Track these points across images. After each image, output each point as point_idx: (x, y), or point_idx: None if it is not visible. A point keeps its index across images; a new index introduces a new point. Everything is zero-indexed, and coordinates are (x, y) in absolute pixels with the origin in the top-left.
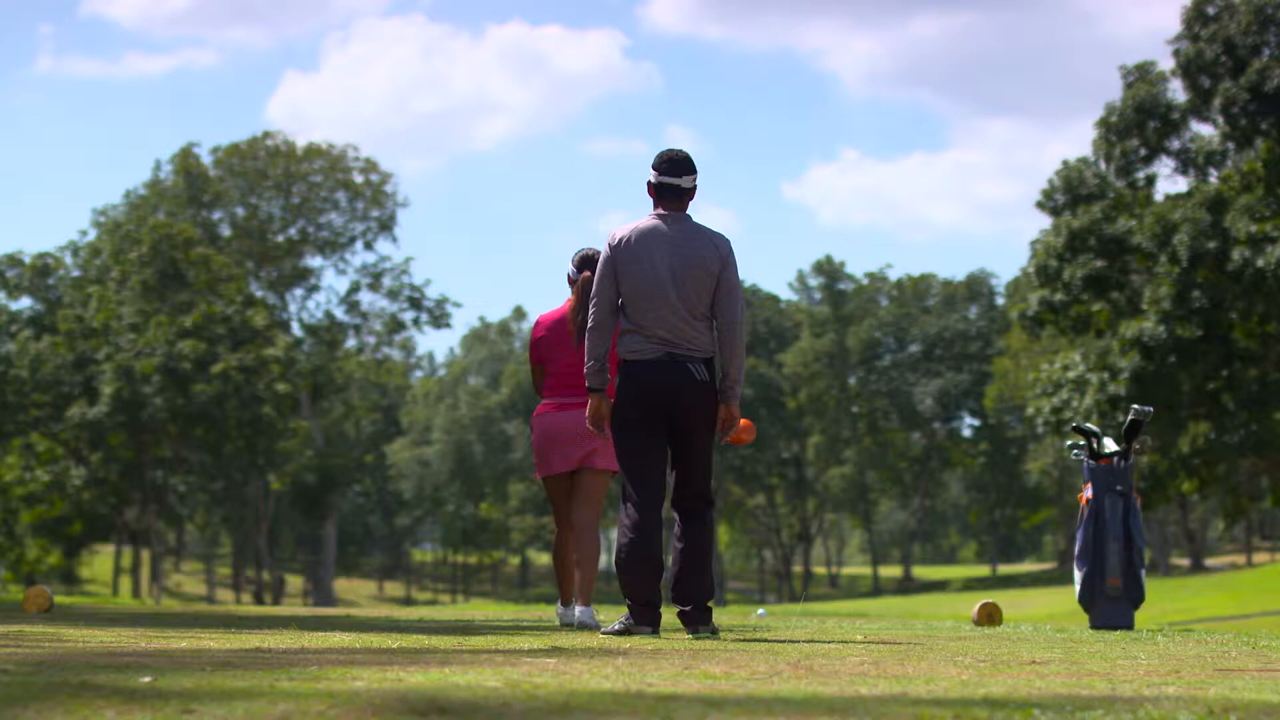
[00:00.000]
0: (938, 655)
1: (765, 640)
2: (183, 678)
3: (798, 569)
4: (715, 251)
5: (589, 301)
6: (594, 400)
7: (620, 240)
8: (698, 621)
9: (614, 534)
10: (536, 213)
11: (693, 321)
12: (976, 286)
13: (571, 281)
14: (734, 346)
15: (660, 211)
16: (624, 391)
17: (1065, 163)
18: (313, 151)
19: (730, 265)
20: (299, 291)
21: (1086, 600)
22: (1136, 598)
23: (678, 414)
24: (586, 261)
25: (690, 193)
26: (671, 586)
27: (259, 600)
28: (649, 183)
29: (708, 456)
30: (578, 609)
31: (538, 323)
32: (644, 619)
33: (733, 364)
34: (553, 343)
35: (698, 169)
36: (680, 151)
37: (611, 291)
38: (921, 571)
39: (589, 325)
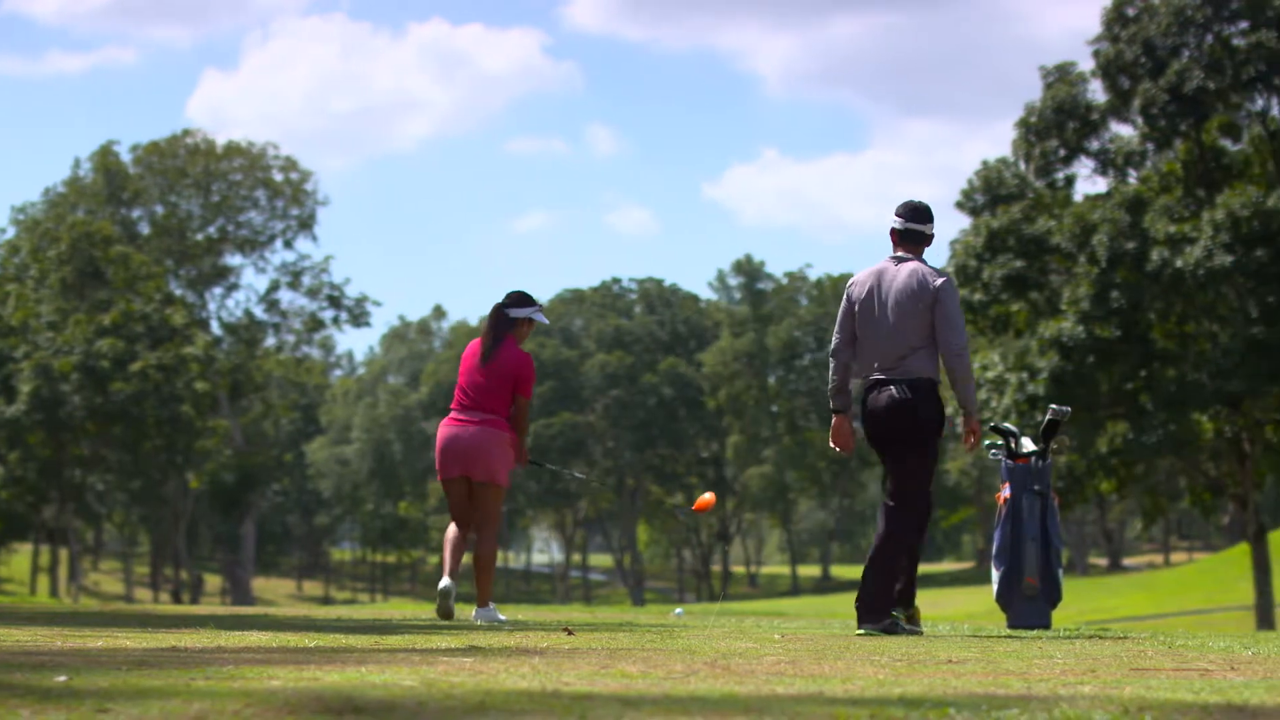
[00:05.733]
0: (854, 654)
1: (683, 639)
2: (98, 677)
3: (716, 568)
4: (929, 290)
5: (503, 332)
6: (834, 420)
7: (855, 284)
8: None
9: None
10: (456, 211)
11: (906, 351)
12: None
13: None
14: (959, 372)
15: (896, 255)
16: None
17: (985, 163)
18: (232, 150)
19: (942, 301)
20: (218, 290)
21: (1004, 600)
22: (1054, 597)
23: (889, 430)
24: (514, 302)
25: (929, 239)
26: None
27: (177, 599)
28: (892, 229)
29: (911, 464)
30: (477, 609)
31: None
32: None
33: (960, 386)
34: (466, 360)
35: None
36: (923, 202)
37: (848, 327)
38: (840, 570)
39: (831, 349)
